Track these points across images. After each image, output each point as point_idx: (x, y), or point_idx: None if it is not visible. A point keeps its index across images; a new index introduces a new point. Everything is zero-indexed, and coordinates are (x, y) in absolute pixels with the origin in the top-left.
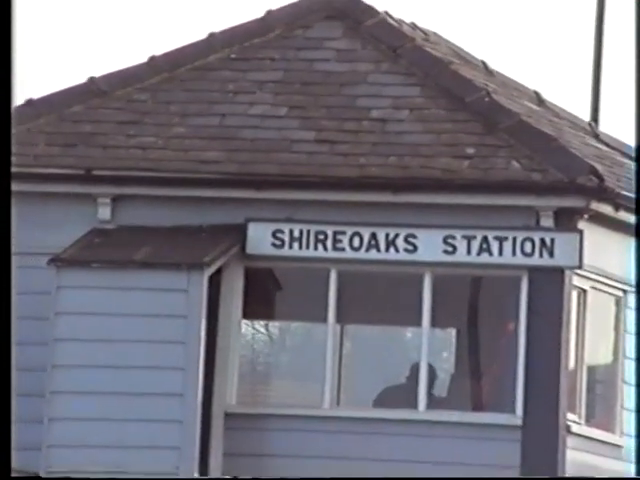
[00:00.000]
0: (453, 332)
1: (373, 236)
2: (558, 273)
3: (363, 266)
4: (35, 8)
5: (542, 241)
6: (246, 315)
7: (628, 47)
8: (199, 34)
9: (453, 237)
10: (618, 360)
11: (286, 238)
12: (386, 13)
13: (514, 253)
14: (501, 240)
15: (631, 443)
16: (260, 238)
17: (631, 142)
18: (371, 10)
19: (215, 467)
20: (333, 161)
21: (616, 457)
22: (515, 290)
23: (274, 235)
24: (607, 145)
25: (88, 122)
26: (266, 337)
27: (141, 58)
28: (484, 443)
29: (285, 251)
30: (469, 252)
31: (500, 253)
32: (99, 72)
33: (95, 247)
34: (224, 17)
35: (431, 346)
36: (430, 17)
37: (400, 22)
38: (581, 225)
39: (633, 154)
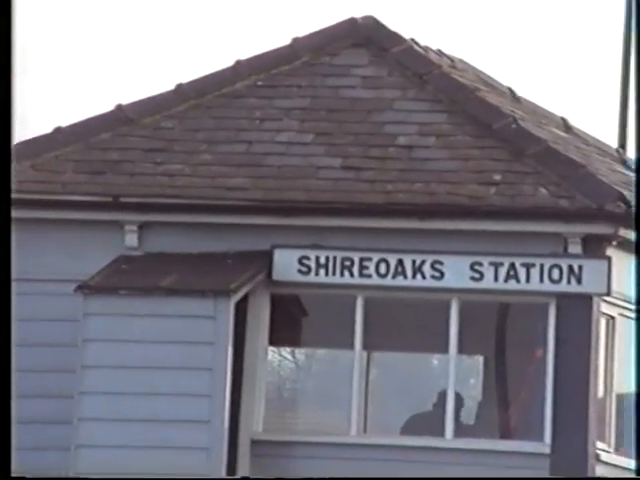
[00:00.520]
0: (480, 359)
1: (400, 262)
2: (586, 300)
3: (390, 293)
4: (63, 36)
5: (570, 268)
6: (272, 342)
7: None
8: (226, 61)
9: (480, 264)
10: None
11: (312, 265)
12: (412, 40)
13: (542, 280)
14: (528, 267)
15: None
16: (286, 265)
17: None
18: (397, 37)
19: None
20: (359, 188)
21: None
22: (543, 317)
23: (300, 262)
24: (635, 172)
25: (115, 150)
26: (292, 364)
27: (168, 86)
28: (512, 471)
29: (311, 278)
30: (496, 279)
31: (527, 280)
32: (127, 100)
33: (122, 274)
34: (251, 44)
35: (458, 373)
36: (456, 44)
37: (426, 49)
38: (609, 252)
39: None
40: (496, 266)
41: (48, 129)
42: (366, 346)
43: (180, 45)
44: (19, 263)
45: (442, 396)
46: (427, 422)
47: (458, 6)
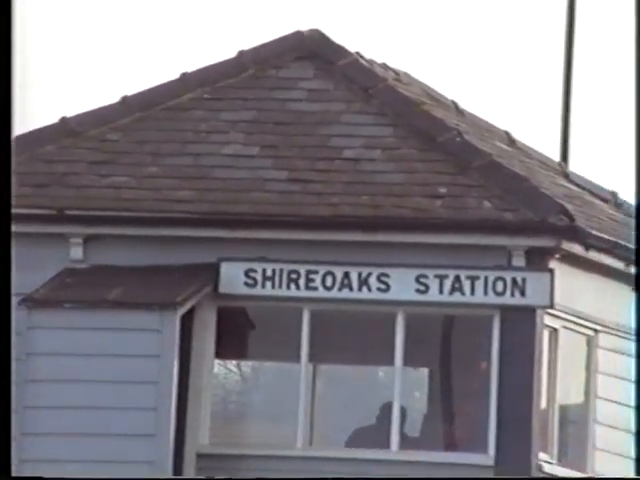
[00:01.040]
0: (425, 371)
1: (346, 275)
2: (530, 312)
3: (336, 305)
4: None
5: (514, 280)
6: (219, 355)
7: (596, 88)
8: (172, 74)
9: (425, 276)
10: (589, 400)
11: (259, 277)
12: (357, 53)
13: (486, 292)
14: (473, 279)
15: None
16: (233, 277)
17: (606, 185)
18: (343, 50)
19: None
20: (306, 200)
21: None
22: (487, 329)
23: (247, 274)
24: (577, 185)
25: (60, 162)
26: (238, 377)
27: (113, 98)
28: None
29: (258, 290)
30: (441, 291)
31: (472, 292)
32: (71, 112)
33: (67, 287)
34: (196, 57)
35: (404, 386)
36: (401, 57)
37: (372, 62)
38: (552, 264)
39: (608, 196)
40: (441, 279)
41: None
42: (312, 359)
43: (125, 57)
44: None
45: (385, 409)
46: (372, 435)
47: (402, 20)
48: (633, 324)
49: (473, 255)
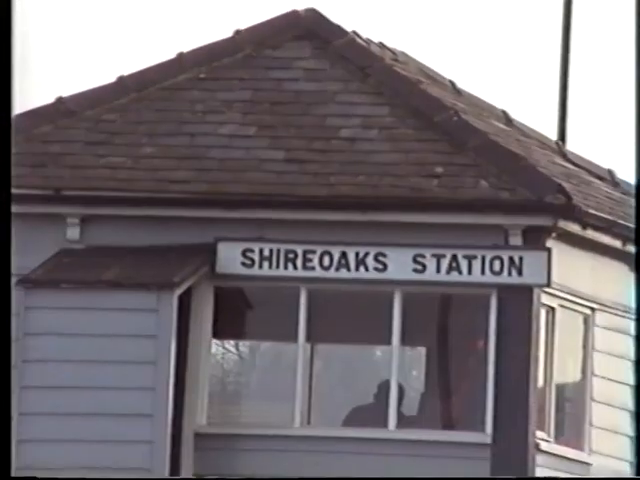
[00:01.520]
0: (423, 351)
1: (343, 255)
2: (526, 291)
3: (333, 285)
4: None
5: (511, 259)
6: (216, 335)
7: (594, 67)
8: (168, 54)
9: (422, 256)
10: (586, 378)
11: (256, 257)
12: (354, 33)
13: (483, 271)
14: (470, 259)
15: (600, 460)
16: (230, 258)
17: (603, 163)
18: (339, 30)
19: None
20: (302, 180)
21: (584, 474)
22: (484, 308)
23: (244, 254)
24: (574, 164)
25: (57, 142)
26: (236, 356)
27: (110, 78)
28: (454, 461)
29: (255, 270)
30: (438, 271)
31: (469, 272)
32: (67, 92)
33: (64, 267)
34: (193, 37)
35: (401, 365)
36: (398, 37)
37: (368, 42)
38: (549, 243)
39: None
40: (438, 258)
41: None
42: (310, 338)
43: (121, 37)
44: None
45: (383, 387)
46: (370, 414)
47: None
48: (630, 302)
49: (470, 234)
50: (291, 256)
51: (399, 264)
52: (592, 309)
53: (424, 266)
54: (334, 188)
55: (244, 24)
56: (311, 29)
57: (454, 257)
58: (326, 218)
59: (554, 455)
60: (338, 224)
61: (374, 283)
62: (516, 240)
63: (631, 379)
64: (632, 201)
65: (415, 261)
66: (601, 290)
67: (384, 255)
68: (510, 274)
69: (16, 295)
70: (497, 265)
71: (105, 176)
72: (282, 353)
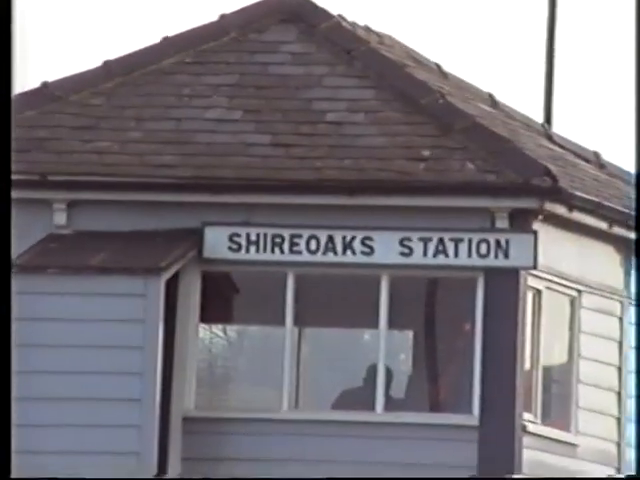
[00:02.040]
0: (410, 334)
1: (330, 239)
2: (513, 274)
3: (320, 269)
4: None
5: (497, 242)
6: (204, 319)
7: (579, 50)
8: (153, 38)
9: (409, 239)
10: (573, 360)
11: (243, 242)
12: (340, 16)
13: (470, 254)
14: (457, 242)
15: (587, 442)
16: (217, 242)
17: (589, 145)
18: (325, 13)
19: (174, 472)
20: (289, 164)
21: (571, 456)
22: (471, 291)
23: (231, 239)
24: (560, 146)
25: (42, 127)
26: (224, 341)
27: (95, 63)
28: (441, 443)
29: (242, 255)
30: (425, 254)
31: (456, 255)
32: (53, 77)
33: (51, 253)
34: (178, 21)
35: (389, 348)
36: (384, 20)
37: (354, 25)
38: (535, 226)
39: (591, 157)
40: (425, 241)
41: None
42: (297, 322)
43: (106, 21)
44: None
45: (371, 370)
46: (358, 397)
47: None
48: (617, 284)
49: (456, 217)
50: (278, 240)
51: (386, 248)
52: (579, 291)
53: (411, 249)
54: (321, 172)
55: (229, 8)
56: (297, 13)
57: (441, 240)
58: (313, 202)
59: (541, 436)
60: (325, 208)
61: (361, 267)
62: (503, 223)
63: (617, 360)
64: (618, 183)
65: (402, 244)
66: (587, 272)
67: (371, 239)
68: (497, 257)
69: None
70: (484, 248)
71: (91, 161)
72: (270, 337)
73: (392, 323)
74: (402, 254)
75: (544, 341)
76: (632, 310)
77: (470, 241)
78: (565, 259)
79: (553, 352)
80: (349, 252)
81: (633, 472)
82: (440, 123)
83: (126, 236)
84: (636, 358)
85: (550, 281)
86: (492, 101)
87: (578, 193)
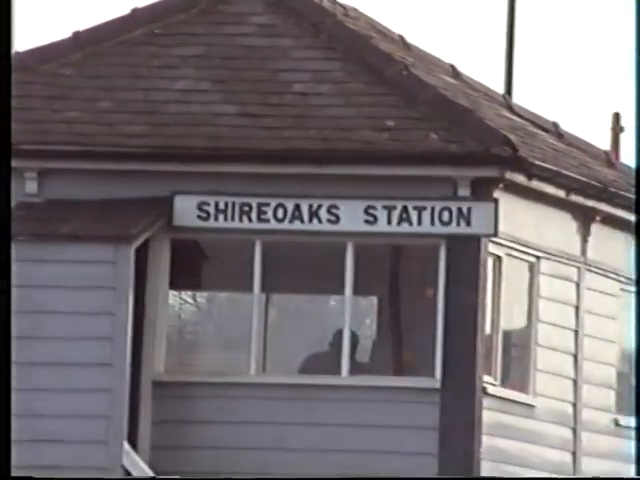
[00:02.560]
0: (375, 300)
1: (297, 207)
2: (474, 241)
3: (287, 237)
4: None
5: (459, 210)
6: (173, 286)
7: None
8: (123, 9)
9: (374, 207)
10: (532, 324)
11: (211, 210)
12: None
13: (432, 222)
14: (420, 210)
15: (544, 403)
16: (186, 210)
17: (548, 116)
18: None
19: (144, 435)
20: (256, 134)
21: (529, 416)
22: (434, 258)
23: (200, 207)
24: (520, 116)
25: (13, 97)
26: (193, 307)
27: (65, 33)
28: (405, 406)
29: (211, 223)
30: (389, 222)
31: (419, 222)
32: (23, 47)
33: (22, 221)
34: None
35: (354, 313)
36: None
37: None
38: (496, 194)
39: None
40: (389, 210)
41: None
42: (265, 289)
43: None
44: None
45: (337, 336)
46: (324, 361)
47: None
48: (574, 251)
49: (420, 186)
50: (246, 209)
51: (351, 216)
52: (537, 257)
53: (375, 217)
54: (287, 142)
55: None
56: None
57: (404, 208)
58: (280, 171)
59: (500, 398)
60: (292, 177)
61: (327, 235)
62: (464, 191)
63: (574, 324)
64: (576, 152)
65: (367, 213)
66: (546, 239)
67: (336, 207)
68: (459, 224)
69: None
70: (446, 216)
71: (62, 130)
72: (238, 303)
73: (357, 289)
74: (367, 222)
75: (504, 306)
76: (588, 275)
77: (433, 209)
78: (524, 226)
79: (513, 316)
80: (315, 220)
81: (589, 431)
82: (404, 94)
83: (96, 204)
84: (636, 335)
85: (510, 248)
86: (454, 72)
87: (537, 162)
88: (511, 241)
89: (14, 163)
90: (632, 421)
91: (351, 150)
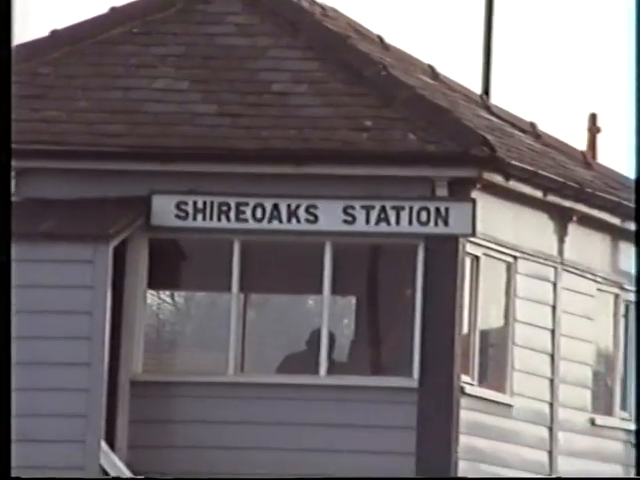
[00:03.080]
0: (353, 299)
1: (275, 207)
2: (452, 241)
3: (266, 236)
4: None
5: (437, 210)
6: (151, 285)
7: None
8: (101, 8)
9: (352, 207)
10: (509, 324)
11: (190, 210)
12: None
13: (410, 222)
14: (398, 210)
15: (521, 402)
16: (164, 210)
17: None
18: None
19: (122, 435)
20: (235, 134)
21: (506, 416)
22: (412, 258)
23: (178, 207)
24: (498, 117)
25: None
26: (172, 307)
27: (43, 32)
28: (382, 405)
29: (189, 222)
30: (368, 222)
31: (397, 222)
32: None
33: None
34: None
35: (332, 313)
36: None
37: None
38: (474, 194)
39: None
40: (367, 209)
41: None
42: (243, 288)
43: None
44: None
45: (315, 335)
46: (302, 361)
47: None
48: (551, 250)
49: (398, 186)
50: (224, 208)
51: (329, 216)
52: (514, 257)
53: (354, 217)
54: (266, 141)
55: None
56: None
57: (383, 208)
58: (258, 171)
59: (478, 398)
60: (270, 177)
61: (305, 234)
62: (442, 191)
63: (551, 324)
64: (553, 153)
65: (345, 212)
66: (523, 239)
67: (315, 207)
68: (437, 224)
69: None
70: (424, 216)
71: (40, 129)
72: (216, 303)
73: (335, 289)
74: (345, 222)
75: (481, 306)
76: (565, 276)
77: (411, 209)
78: (502, 226)
79: (490, 316)
80: (294, 220)
81: (566, 431)
82: (382, 94)
83: (74, 204)
84: (636, 340)
85: (487, 248)
86: (432, 73)
87: (515, 162)
88: (489, 241)
89: None
90: (608, 421)
91: (330, 150)
